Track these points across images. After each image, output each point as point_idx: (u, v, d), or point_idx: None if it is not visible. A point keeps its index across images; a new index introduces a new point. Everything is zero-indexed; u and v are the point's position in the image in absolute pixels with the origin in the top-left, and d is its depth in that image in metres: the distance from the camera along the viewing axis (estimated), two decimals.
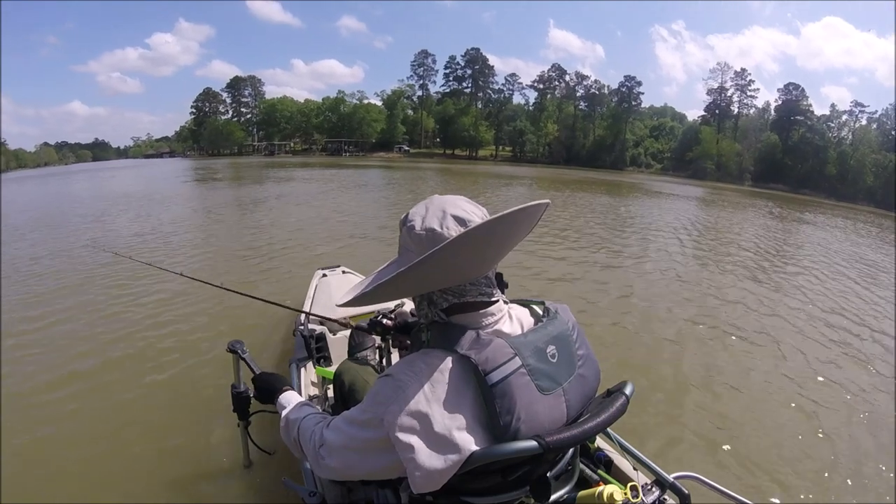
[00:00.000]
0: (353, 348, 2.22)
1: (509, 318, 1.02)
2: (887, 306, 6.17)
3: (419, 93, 71.52)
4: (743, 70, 60.90)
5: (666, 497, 1.28)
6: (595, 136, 64.73)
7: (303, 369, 2.45)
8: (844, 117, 53.85)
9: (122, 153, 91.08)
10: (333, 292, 3.24)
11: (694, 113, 75.36)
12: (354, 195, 16.77)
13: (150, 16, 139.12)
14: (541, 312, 1.06)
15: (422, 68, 70.15)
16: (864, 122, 52.45)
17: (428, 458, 0.85)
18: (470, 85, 69.53)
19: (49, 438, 2.63)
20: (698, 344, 4.28)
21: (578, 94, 67.42)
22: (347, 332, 2.44)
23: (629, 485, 1.08)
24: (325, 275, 3.83)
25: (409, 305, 2.12)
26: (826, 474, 2.62)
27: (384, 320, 1.74)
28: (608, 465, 1.55)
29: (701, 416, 3.10)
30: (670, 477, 1.30)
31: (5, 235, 8.66)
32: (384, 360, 2.02)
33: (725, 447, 2.77)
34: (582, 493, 1.06)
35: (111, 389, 3.16)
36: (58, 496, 2.19)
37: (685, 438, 2.84)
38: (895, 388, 3.68)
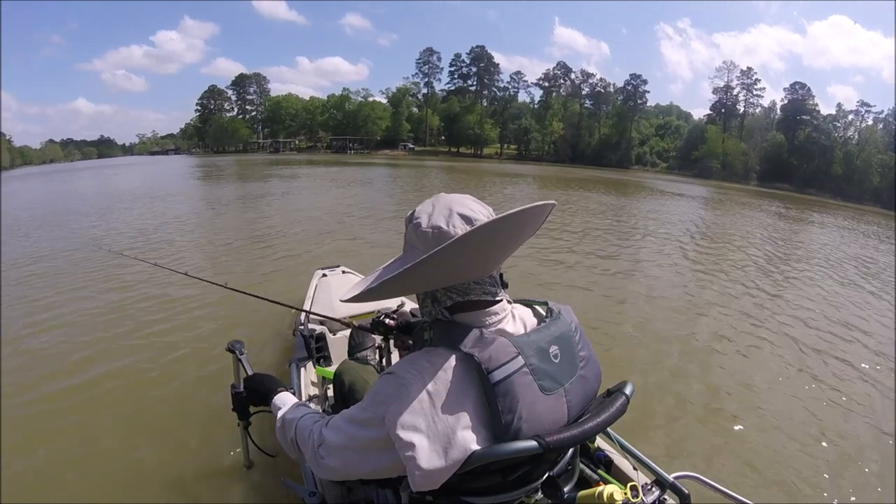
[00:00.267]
0: (353, 348, 2.22)
1: (512, 318, 1.02)
2: None
3: (424, 90, 71.63)
4: (749, 69, 60.73)
5: (666, 497, 1.28)
6: (600, 135, 64.55)
7: (303, 369, 2.45)
8: (851, 117, 53.64)
9: (128, 150, 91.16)
10: (333, 292, 3.24)
11: (700, 112, 74.96)
12: (358, 194, 16.79)
13: (154, 13, 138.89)
14: (544, 313, 1.06)
15: (427, 66, 70.11)
16: (870, 121, 52.22)
17: (428, 457, 0.85)
18: (475, 83, 69.46)
19: (49, 438, 2.62)
20: (699, 345, 4.26)
21: (584, 93, 67.25)
22: (347, 332, 2.44)
23: (629, 485, 1.08)
24: (325, 275, 3.83)
25: (409, 306, 2.13)
26: (826, 475, 2.61)
27: (386, 320, 1.74)
28: (608, 465, 1.55)
29: (701, 416, 3.09)
30: (670, 477, 1.30)
31: (8, 233, 8.67)
32: (384, 360, 2.02)
33: (726, 447, 2.77)
34: (582, 493, 1.06)
35: (111, 389, 3.15)
36: (58, 496, 2.18)
37: (685, 438, 2.83)
38: (895, 388, 3.69)
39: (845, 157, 50.25)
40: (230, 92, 72.71)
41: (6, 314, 4.44)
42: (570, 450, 1.12)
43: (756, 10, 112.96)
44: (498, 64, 69.21)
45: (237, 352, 1.79)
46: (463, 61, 68.75)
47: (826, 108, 56.76)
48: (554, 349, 0.96)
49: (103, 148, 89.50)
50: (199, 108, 73.27)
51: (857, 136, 52.48)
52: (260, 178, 22.83)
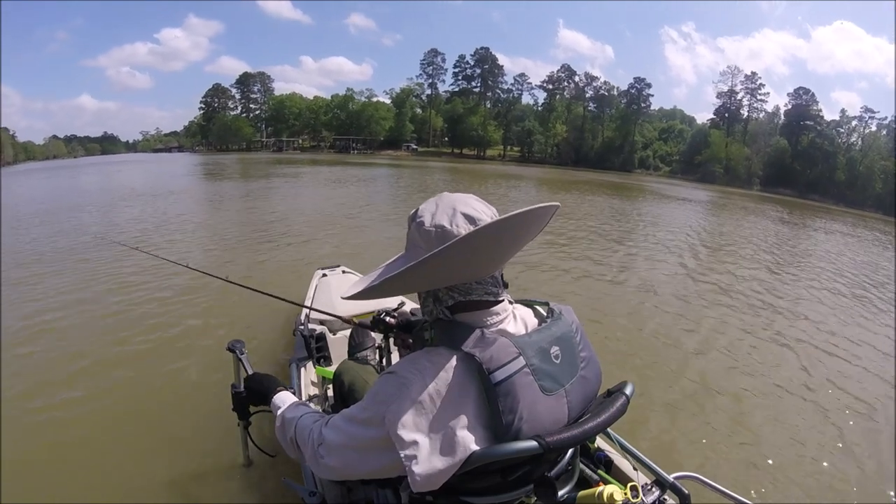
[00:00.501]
0: (353, 348, 2.21)
1: (514, 318, 1.01)
2: None
3: (428, 91, 71.73)
4: (753, 73, 60.84)
5: (666, 497, 1.28)
6: (604, 138, 64.53)
7: (303, 369, 2.44)
8: (854, 123, 53.64)
9: (131, 147, 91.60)
10: (334, 292, 3.23)
11: (703, 116, 74.70)
12: (360, 194, 16.78)
13: (160, 11, 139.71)
14: (545, 313, 1.06)
15: (431, 67, 70.27)
16: (873, 128, 52.19)
17: (429, 457, 0.84)
18: (479, 84, 69.53)
19: (48, 438, 2.60)
20: (700, 346, 4.25)
21: (588, 95, 67.28)
22: (347, 332, 2.44)
23: (629, 485, 1.08)
24: (325, 275, 3.82)
25: (409, 305, 2.13)
26: (826, 475, 2.61)
27: (387, 318, 1.74)
28: (608, 465, 1.55)
29: (702, 416, 3.08)
30: (670, 477, 1.29)
31: (9, 229, 8.66)
32: (384, 360, 2.02)
33: (726, 447, 2.76)
34: (582, 493, 1.06)
35: (111, 388, 3.13)
36: (57, 496, 2.17)
37: (685, 438, 2.83)
38: (895, 388, 3.68)
39: (848, 163, 50.20)
40: (234, 90, 73.05)
41: (6, 314, 4.41)
42: (570, 450, 1.12)
43: (760, 14, 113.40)
44: (502, 66, 69.60)
45: (237, 351, 1.79)
46: (467, 63, 68.95)
47: (830, 114, 57.06)
48: (555, 350, 0.96)
49: (107, 144, 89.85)
50: (203, 106, 73.53)
51: (860, 142, 52.47)
52: (263, 177, 22.83)
